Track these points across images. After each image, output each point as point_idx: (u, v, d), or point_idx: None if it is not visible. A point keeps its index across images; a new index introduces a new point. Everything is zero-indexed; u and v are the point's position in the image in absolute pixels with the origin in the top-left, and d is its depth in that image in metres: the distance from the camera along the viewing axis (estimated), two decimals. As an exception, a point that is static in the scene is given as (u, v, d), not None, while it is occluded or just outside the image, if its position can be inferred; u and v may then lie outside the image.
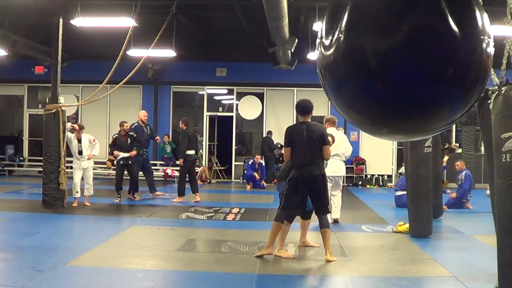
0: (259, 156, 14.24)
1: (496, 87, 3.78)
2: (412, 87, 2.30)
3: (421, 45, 2.21)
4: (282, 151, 6.29)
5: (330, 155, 6.03)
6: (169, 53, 12.31)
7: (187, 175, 10.53)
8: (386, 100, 2.37)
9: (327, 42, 2.46)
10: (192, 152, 10.44)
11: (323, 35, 2.52)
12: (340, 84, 2.51)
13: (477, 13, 2.32)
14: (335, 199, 8.05)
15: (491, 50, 2.39)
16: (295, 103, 15.57)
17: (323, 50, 2.52)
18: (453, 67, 2.28)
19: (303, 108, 5.88)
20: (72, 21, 9.75)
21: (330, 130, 7.37)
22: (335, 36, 2.38)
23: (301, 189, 5.73)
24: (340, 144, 7.86)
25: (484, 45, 2.33)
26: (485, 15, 2.39)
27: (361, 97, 2.45)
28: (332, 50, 2.42)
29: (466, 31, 2.24)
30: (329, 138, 6.14)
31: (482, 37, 2.31)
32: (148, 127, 11.27)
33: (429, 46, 2.21)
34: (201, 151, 15.98)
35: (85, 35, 11.25)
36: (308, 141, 5.70)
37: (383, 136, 2.76)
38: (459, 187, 10.43)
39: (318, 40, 2.60)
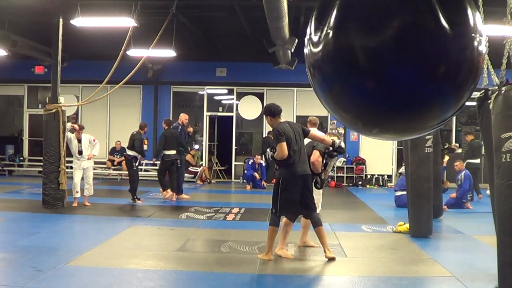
0: (259, 156, 14.24)
1: (496, 87, 3.78)
2: (402, 86, 2.26)
3: (412, 43, 2.18)
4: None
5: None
6: (169, 53, 12.31)
7: (166, 173, 10.65)
8: (377, 99, 2.32)
9: (315, 39, 2.40)
10: (170, 152, 10.47)
11: (312, 31, 2.46)
12: (329, 83, 2.46)
13: (469, 11, 2.30)
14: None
15: (482, 48, 2.37)
16: (295, 103, 15.73)
17: (311, 47, 2.45)
18: (444, 65, 2.25)
19: (273, 109, 5.79)
20: (72, 21, 9.76)
21: (312, 130, 7.37)
22: (324, 32, 2.33)
23: (294, 187, 5.66)
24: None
25: (476, 43, 2.30)
26: (477, 13, 2.37)
27: (351, 96, 2.40)
28: (320, 46, 2.36)
29: (457, 29, 2.22)
30: (335, 138, 6.09)
31: (473, 35, 2.29)
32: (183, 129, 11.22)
33: (420, 44, 2.18)
34: (199, 152, 15.99)
35: (85, 35, 11.25)
36: (297, 139, 5.72)
37: (375, 136, 2.72)
38: (459, 187, 10.43)
39: (307, 37, 2.54)
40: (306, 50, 2.56)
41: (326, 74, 2.44)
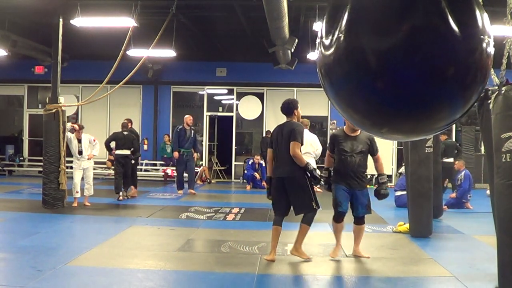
0: (259, 157, 14.23)
1: (496, 87, 3.78)
2: (412, 87, 2.29)
3: (421, 45, 2.21)
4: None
5: (297, 152, 5.60)
6: (169, 53, 12.32)
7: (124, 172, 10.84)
8: (386, 100, 2.36)
9: (327, 42, 2.45)
10: (121, 151, 10.59)
11: (323, 34, 2.51)
12: (340, 84, 2.50)
13: (477, 12, 2.31)
14: None
15: (491, 49, 2.38)
16: (295, 103, 15.69)
17: (323, 50, 2.51)
18: (453, 67, 2.27)
19: (282, 108, 5.87)
20: (72, 21, 9.76)
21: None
22: (335, 36, 2.37)
23: (278, 189, 5.67)
24: (311, 144, 8.56)
25: (484, 44, 2.32)
26: (485, 15, 2.38)
27: (361, 97, 2.44)
28: (332, 50, 2.41)
29: (466, 31, 2.24)
30: (311, 159, 6.01)
31: (482, 36, 2.31)
32: (192, 130, 11.83)
33: (429, 46, 2.20)
34: (198, 154, 15.96)
35: (85, 35, 11.26)
36: (281, 141, 5.67)
37: (383, 136, 2.75)
38: (459, 187, 10.43)
39: (318, 40, 2.59)
40: (317, 53, 2.60)
41: (337, 76, 2.48)
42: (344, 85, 2.47)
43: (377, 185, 5.95)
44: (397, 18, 2.23)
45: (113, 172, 10.99)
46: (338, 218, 5.84)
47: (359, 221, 5.93)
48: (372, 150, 5.87)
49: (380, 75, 2.29)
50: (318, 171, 5.91)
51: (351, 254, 5.97)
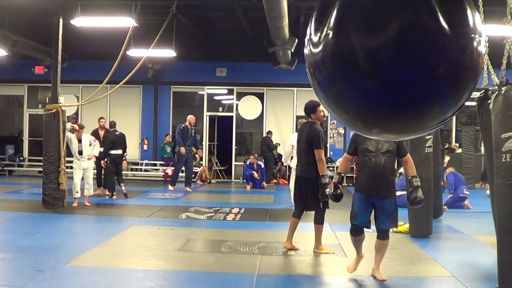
0: (253, 157, 14.19)
1: (496, 87, 3.78)
2: (402, 86, 2.28)
3: (411, 44, 2.20)
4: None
5: (322, 159, 5.98)
6: (169, 53, 12.33)
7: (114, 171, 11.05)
8: (377, 99, 2.34)
9: (315, 39, 2.43)
10: (116, 152, 10.80)
11: (312, 31, 2.49)
12: (329, 83, 2.48)
13: (468, 11, 2.32)
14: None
15: (482, 48, 2.39)
16: (295, 103, 15.73)
17: (311, 48, 2.48)
18: (444, 65, 2.27)
19: (304, 109, 6.30)
20: (72, 21, 9.76)
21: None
22: (324, 33, 2.36)
23: (297, 184, 6.21)
24: None
25: (475, 43, 2.33)
26: (477, 14, 2.39)
27: (351, 97, 2.42)
28: (320, 47, 2.39)
29: (457, 30, 2.24)
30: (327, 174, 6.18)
31: (473, 35, 2.31)
32: (192, 129, 12.51)
33: (420, 45, 2.20)
34: (198, 154, 15.96)
35: (85, 35, 11.26)
36: (300, 142, 6.22)
37: (375, 135, 2.75)
38: (448, 185, 10.47)
39: (307, 37, 2.57)
40: (306, 51, 2.58)
41: (326, 75, 2.46)
42: (333, 84, 2.45)
43: (411, 189, 5.15)
44: (388, 16, 2.22)
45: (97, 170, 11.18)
46: (353, 231, 5.27)
47: (381, 235, 5.24)
48: (400, 150, 5.11)
49: (369, 73, 2.28)
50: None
51: (371, 274, 5.24)
